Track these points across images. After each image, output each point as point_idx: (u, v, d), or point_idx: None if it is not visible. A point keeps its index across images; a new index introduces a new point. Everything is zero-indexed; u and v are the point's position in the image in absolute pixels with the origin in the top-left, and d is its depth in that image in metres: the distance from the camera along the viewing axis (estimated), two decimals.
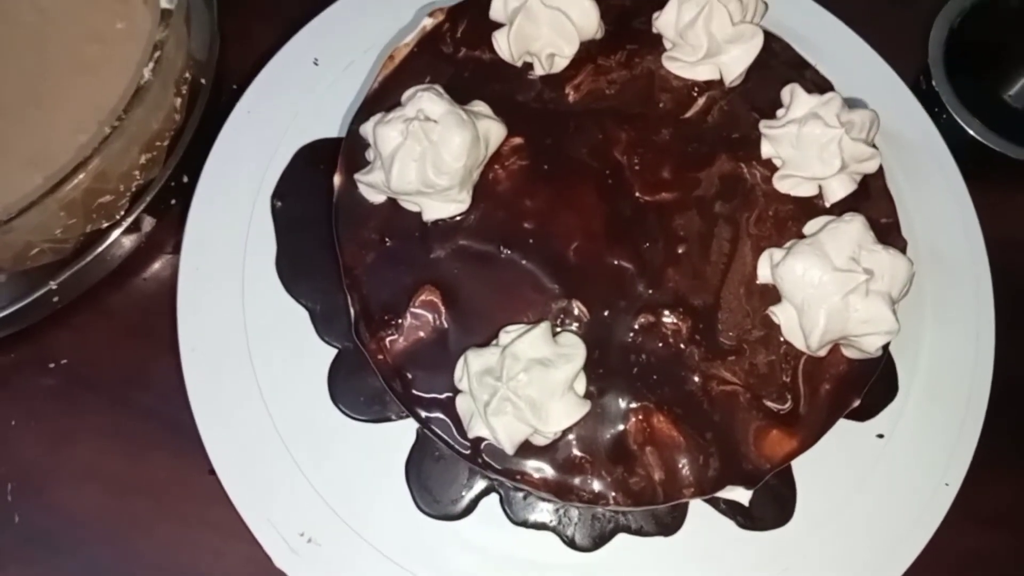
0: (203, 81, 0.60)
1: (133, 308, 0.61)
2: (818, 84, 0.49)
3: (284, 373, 0.51)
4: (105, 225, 0.56)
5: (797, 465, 0.49)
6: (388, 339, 0.43)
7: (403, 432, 0.49)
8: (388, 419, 0.49)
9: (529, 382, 0.38)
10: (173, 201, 0.60)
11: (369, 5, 0.58)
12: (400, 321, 0.43)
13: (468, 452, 0.42)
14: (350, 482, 0.48)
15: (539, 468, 0.41)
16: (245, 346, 0.51)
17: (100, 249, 0.56)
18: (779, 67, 0.49)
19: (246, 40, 0.63)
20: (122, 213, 0.57)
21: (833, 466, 0.49)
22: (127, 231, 0.58)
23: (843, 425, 0.49)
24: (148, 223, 0.59)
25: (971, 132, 0.60)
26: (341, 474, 0.49)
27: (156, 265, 0.62)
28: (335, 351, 0.51)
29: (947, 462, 0.49)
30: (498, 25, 0.48)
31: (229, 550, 0.53)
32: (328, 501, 0.48)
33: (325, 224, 0.51)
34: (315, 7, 0.60)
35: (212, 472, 0.54)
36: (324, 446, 0.49)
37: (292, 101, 0.56)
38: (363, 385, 0.50)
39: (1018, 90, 0.65)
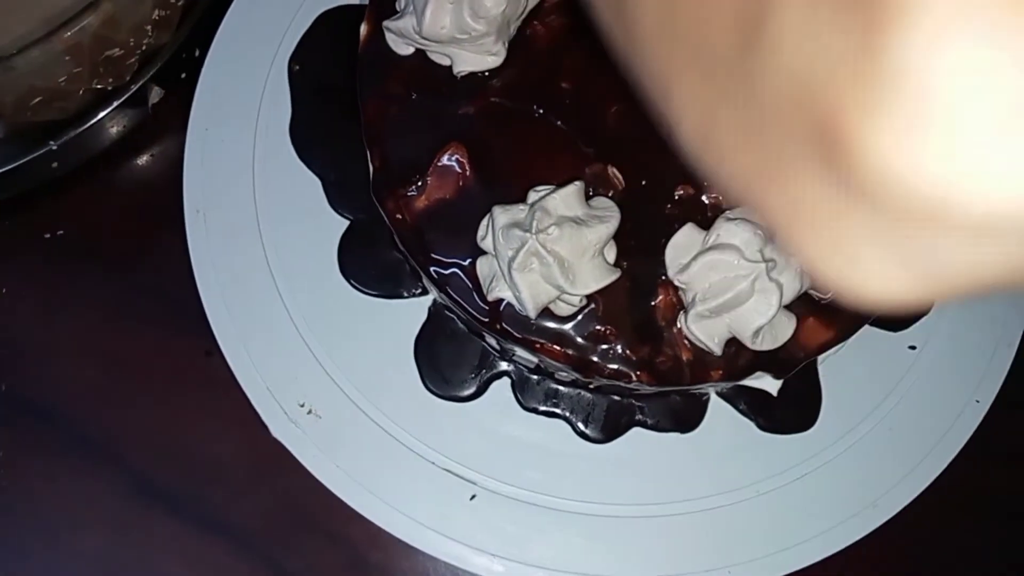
0: None
1: (137, 183, 0.59)
2: None
3: (293, 243, 0.48)
4: (112, 86, 0.54)
5: (824, 371, 0.47)
6: (408, 198, 0.41)
7: (415, 310, 0.47)
8: (400, 295, 0.47)
9: (560, 237, 0.36)
10: (184, 75, 0.57)
11: None
12: (422, 179, 0.41)
13: (487, 319, 0.39)
14: (356, 357, 0.46)
15: (561, 337, 0.39)
16: (253, 213, 0.49)
17: (106, 112, 0.54)
18: None
19: None
20: (130, 77, 0.54)
21: (861, 375, 0.47)
22: (133, 101, 0.55)
23: (875, 334, 0.47)
24: (156, 94, 0.57)
25: None
26: (347, 348, 0.46)
27: (163, 142, 0.59)
28: (347, 223, 0.49)
29: (979, 379, 0.47)
30: None
31: (224, 433, 0.51)
32: (331, 374, 0.46)
33: (344, 91, 0.48)
34: None
35: (210, 354, 0.52)
36: (331, 319, 0.47)
37: None
38: (375, 258, 0.47)
39: None
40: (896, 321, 0.47)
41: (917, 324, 0.48)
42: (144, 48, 0.54)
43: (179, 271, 0.52)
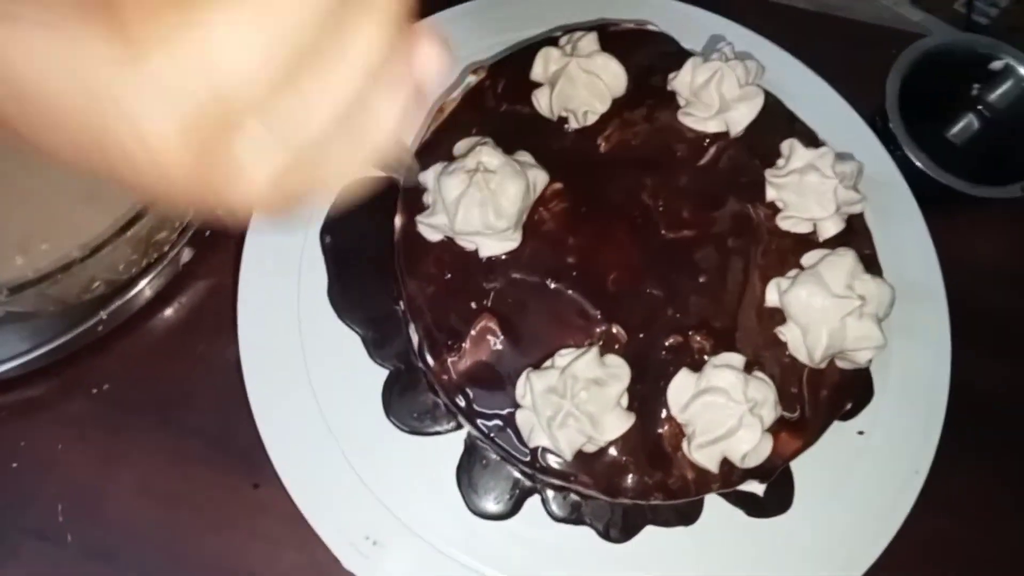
0: None
1: (169, 332, 0.65)
2: (806, 135, 0.57)
3: (341, 391, 0.56)
4: (155, 258, 0.60)
5: (794, 461, 0.57)
6: (451, 361, 0.49)
7: (452, 443, 0.55)
8: (438, 432, 0.55)
9: (588, 399, 0.45)
10: (207, 233, 0.64)
11: None
12: (461, 345, 0.49)
13: (528, 459, 0.48)
14: (407, 488, 0.54)
15: (590, 470, 0.48)
16: (303, 367, 0.56)
17: (148, 279, 0.61)
18: (772, 120, 0.57)
19: None
20: (168, 247, 0.61)
21: (823, 460, 0.57)
22: (169, 262, 0.62)
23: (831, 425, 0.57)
24: (187, 254, 0.64)
25: (919, 165, 0.69)
26: (398, 481, 0.54)
27: (190, 292, 0.66)
28: (386, 372, 0.56)
29: (916, 453, 0.58)
30: (534, 82, 0.55)
31: (279, 558, 0.58)
32: (388, 506, 0.53)
33: (372, 257, 0.56)
34: None
35: (257, 486, 0.59)
36: (381, 456, 0.55)
37: None
38: (415, 402, 0.55)
39: (958, 130, 0.75)
40: (846, 413, 0.57)
41: (863, 412, 0.59)
42: (183, 225, 0.61)
43: (217, 412, 0.59)
